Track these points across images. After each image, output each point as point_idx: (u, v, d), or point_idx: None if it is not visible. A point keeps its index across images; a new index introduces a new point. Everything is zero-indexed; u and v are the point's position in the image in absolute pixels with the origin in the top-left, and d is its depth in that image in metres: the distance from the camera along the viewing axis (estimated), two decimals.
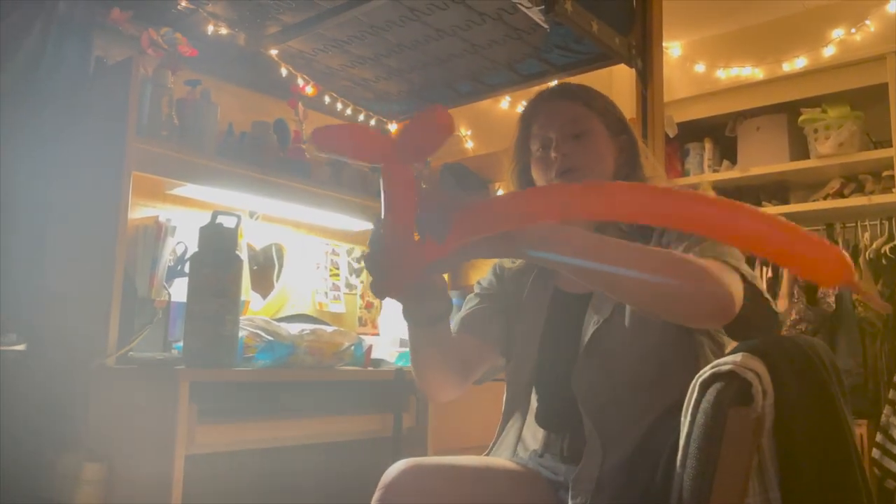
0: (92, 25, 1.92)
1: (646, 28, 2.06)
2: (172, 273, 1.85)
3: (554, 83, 3.00)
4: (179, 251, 1.88)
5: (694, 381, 0.99)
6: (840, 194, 3.30)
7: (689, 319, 0.99)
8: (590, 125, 1.24)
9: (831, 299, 3.18)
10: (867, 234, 3.24)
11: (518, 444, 1.30)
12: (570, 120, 1.24)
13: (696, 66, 3.56)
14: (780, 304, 3.31)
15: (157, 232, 1.78)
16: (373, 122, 2.64)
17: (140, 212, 1.95)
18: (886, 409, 2.86)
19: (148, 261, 1.77)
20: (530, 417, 1.29)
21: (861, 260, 3.13)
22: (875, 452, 2.84)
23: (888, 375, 2.97)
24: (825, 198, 3.34)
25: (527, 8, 1.75)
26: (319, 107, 2.45)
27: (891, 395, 2.87)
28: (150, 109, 1.81)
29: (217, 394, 1.48)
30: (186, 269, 1.71)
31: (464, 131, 3.05)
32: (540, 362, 1.26)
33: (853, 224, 3.31)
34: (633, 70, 2.11)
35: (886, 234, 3.16)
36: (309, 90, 2.33)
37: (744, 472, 0.94)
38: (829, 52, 3.22)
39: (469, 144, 3.05)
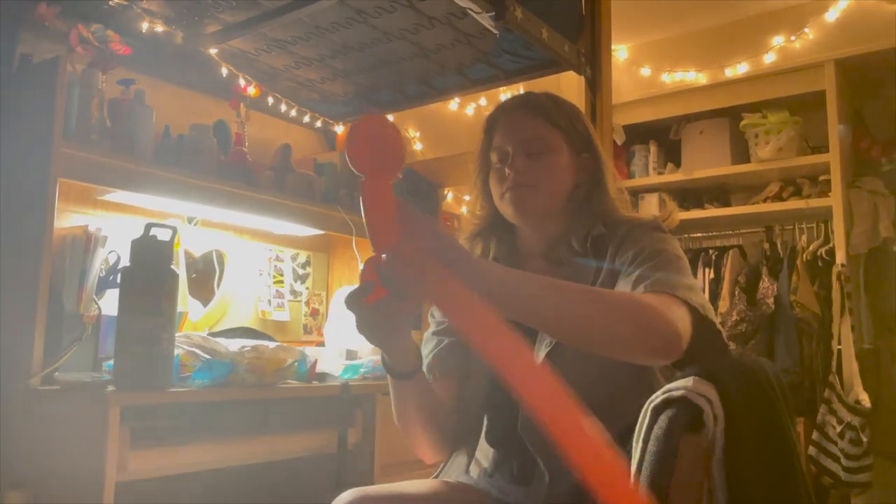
0: (17, 20, 1.80)
1: (595, 36, 2.05)
2: (104, 284, 1.75)
3: (521, 91, 3.02)
4: (112, 260, 1.78)
5: (646, 406, 0.97)
6: (779, 197, 3.39)
7: (634, 359, 0.99)
8: (549, 144, 1.21)
9: (770, 300, 3.26)
10: (804, 237, 3.34)
11: (470, 463, 1.27)
12: (530, 137, 1.21)
13: (641, 69, 3.60)
14: (721, 305, 3.39)
15: (85, 243, 1.68)
16: (318, 124, 2.58)
17: (68, 219, 1.84)
18: (822, 408, 2.95)
19: (76, 273, 1.67)
20: (482, 437, 1.26)
21: (798, 262, 3.22)
22: (812, 450, 2.93)
23: (824, 374, 3.06)
24: (765, 200, 3.42)
25: (476, 14, 1.71)
26: (263, 107, 2.37)
27: (826, 394, 2.97)
28: (78, 112, 1.71)
29: (151, 415, 1.40)
30: (119, 279, 1.63)
31: (412, 133, 3.00)
32: (492, 383, 1.23)
33: (791, 227, 3.41)
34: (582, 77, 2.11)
35: (822, 236, 3.26)
36: (251, 90, 2.25)
37: (695, 498, 0.93)
38: (769, 58, 3.30)
39: (418, 146, 3.00)
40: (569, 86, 3.08)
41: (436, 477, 1.30)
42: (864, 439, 2.79)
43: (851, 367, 2.91)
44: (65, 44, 1.80)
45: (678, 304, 0.98)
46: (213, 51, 2.11)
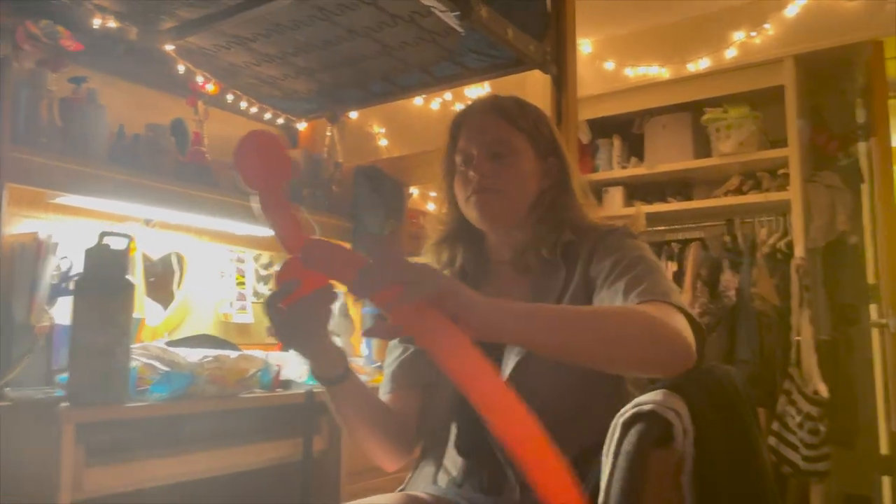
0: None
1: (560, 34, 2.04)
2: (56, 291, 1.68)
3: (486, 88, 2.98)
4: (64, 267, 1.72)
5: (615, 420, 0.96)
6: (739, 191, 3.43)
7: (649, 373, 0.98)
8: (514, 146, 1.21)
9: (731, 293, 3.30)
10: (764, 230, 3.38)
11: (438, 472, 1.25)
12: (494, 139, 1.21)
13: (605, 63, 3.60)
14: (684, 298, 3.42)
15: (36, 250, 1.61)
16: (280, 121, 2.52)
17: (18, 224, 1.77)
18: (782, 399, 3.01)
19: (26, 282, 1.60)
20: (450, 446, 1.25)
21: (758, 255, 3.27)
22: (771, 440, 2.98)
23: (783, 366, 3.11)
24: (725, 194, 3.46)
25: (441, 12, 1.69)
26: (222, 105, 2.31)
27: (786, 384, 3.02)
28: (27, 113, 1.64)
29: (108, 431, 1.35)
30: (72, 287, 1.57)
31: (377, 129, 2.96)
32: (460, 391, 1.21)
33: (751, 220, 3.45)
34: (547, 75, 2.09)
35: (781, 229, 3.31)
36: (210, 87, 2.18)
37: None
38: (730, 53, 3.33)
39: (383, 143, 2.96)
40: (534, 83, 3.07)
41: (403, 489, 1.28)
42: (822, 429, 2.84)
43: (810, 359, 2.96)
44: (11, 41, 1.71)
45: (676, 312, 0.97)
46: (169, 47, 2.04)
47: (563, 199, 1.24)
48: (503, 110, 1.23)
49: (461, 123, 1.27)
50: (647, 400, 0.95)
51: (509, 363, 1.15)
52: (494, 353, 1.18)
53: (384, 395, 1.26)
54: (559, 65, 2.04)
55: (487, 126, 1.22)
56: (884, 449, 2.96)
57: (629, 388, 1.12)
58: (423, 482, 1.26)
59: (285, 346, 1.05)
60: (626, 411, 0.96)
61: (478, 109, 1.26)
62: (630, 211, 3.53)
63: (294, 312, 0.95)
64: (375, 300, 0.84)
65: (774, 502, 1.00)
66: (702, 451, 0.95)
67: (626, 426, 0.94)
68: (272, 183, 0.93)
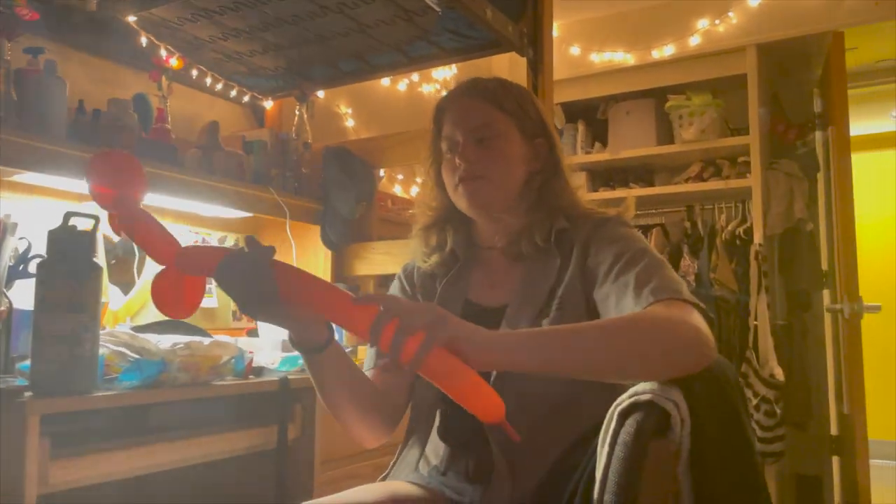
0: None
1: (537, 16, 2.01)
2: (13, 274, 1.59)
3: (453, 70, 2.93)
4: (22, 248, 1.63)
5: (612, 409, 0.96)
6: (700, 178, 3.48)
7: (676, 375, 0.97)
8: (499, 129, 1.19)
9: (691, 278, 3.36)
10: (723, 216, 3.44)
11: (420, 460, 1.23)
12: (478, 123, 1.19)
13: (571, 48, 3.60)
14: None
15: None
16: (246, 98, 2.44)
17: None
18: (740, 382, 3.08)
19: None
20: (434, 433, 1.23)
21: (718, 241, 3.33)
22: None
23: (741, 350, 3.19)
24: (686, 181, 3.51)
25: None
26: (186, 81, 2.22)
27: (743, 368, 3.09)
28: None
29: (74, 421, 1.29)
30: (31, 268, 1.49)
31: (343, 109, 2.90)
32: None
33: (711, 206, 3.51)
34: (513, 57, 2.06)
35: (740, 216, 3.37)
36: (174, 62, 2.09)
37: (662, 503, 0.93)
38: (694, 41, 3.36)
39: (349, 123, 2.90)
40: (500, 68, 3.04)
41: (384, 477, 1.26)
42: (778, 411, 2.93)
43: (767, 343, 3.03)
44: None
45: (690, 309, 0.97)
46: (131, 18, 1.94)
47: (554, 183, 1.22)
48: (486, 93, 1.21)
49: (444, 109, 1.24)
50: (645, 389, 0.94)
51: None
52: None
53: (368, 369, 1.22)
54: (535, 48, 2.02)
55: (471, 110, 1.20)
56: (834, 430, 3.07)
57: None
58: (406, 469, 1.24)
59: (257, 318, 1.03)
60: (623, 400, 0.95)
61: (460, 93, 1.24)
62: (606, 195, 3.55)
63: (244, 278, 0.93)
64: (381, 343, 0.86)
65: (765, 491, 1.01)
66: (697, 441, 0.95)
67: (624, 415, 0.94)
68: (132, 200, 0.95)
